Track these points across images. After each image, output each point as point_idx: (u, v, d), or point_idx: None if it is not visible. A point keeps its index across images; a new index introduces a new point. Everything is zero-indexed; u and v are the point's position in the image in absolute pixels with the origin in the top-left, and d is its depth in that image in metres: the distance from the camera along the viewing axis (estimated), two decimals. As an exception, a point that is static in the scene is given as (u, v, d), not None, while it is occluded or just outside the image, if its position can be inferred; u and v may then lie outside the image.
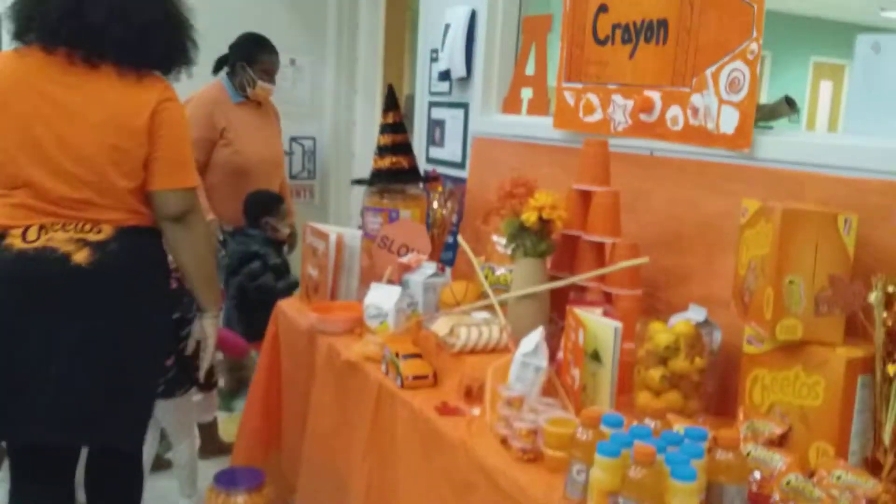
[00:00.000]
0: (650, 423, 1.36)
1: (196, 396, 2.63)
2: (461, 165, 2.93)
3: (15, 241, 1.77)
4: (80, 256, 1.77)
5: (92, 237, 1.79)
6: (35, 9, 1.78)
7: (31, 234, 1.78)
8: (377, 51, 4.03)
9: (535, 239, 1.91)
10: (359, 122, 4.18)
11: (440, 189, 2.77)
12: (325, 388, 2.15)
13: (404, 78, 4.84)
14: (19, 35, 1.82)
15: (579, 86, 2.28)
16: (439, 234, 2.73)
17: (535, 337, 1.65)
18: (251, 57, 3.23)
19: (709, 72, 1.85)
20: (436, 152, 3.09)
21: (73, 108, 1.78)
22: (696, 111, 1.89)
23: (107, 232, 1.81)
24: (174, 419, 2.54)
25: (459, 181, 2.88)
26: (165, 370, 2.26)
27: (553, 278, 1.95)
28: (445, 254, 2.81)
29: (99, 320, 1.78)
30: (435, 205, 2.72)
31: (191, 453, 2.65)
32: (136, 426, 1.95)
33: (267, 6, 3.84)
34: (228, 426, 3.04)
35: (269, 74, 3.27)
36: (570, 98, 2.33)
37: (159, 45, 1.87)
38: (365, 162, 4.21)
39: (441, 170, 3.00)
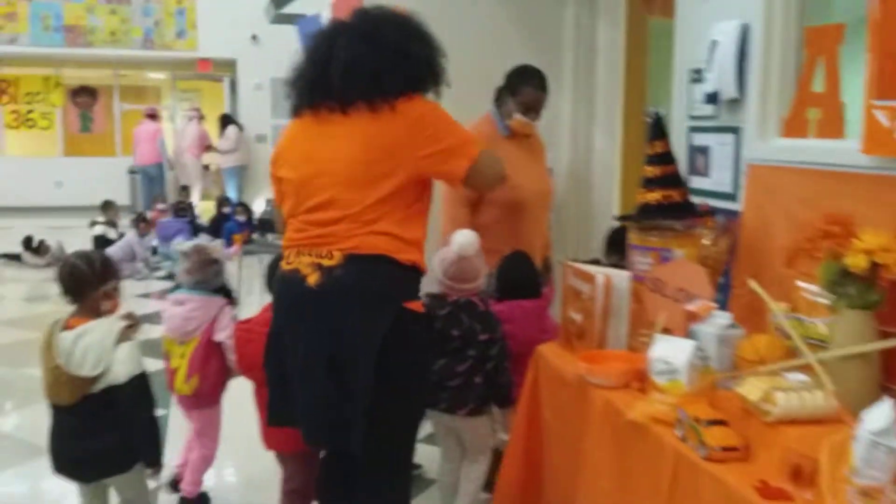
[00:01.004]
0: None
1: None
2: (731, 197, 2.64)
3: (283, 264, 2.13)
4: (313, 279, 2.01)
5: (325, 262, 2.01)
6: (293, 85, 2.19)
7: (291, 258, 2.09)
8: (618, 76, 3.83)
9: (862, 287, 1.62)
10: (597, 151, 4.00)
11: (711, 224, 2.50)
12: (602, 447, 1.97)
13: (645, 103, 4.59)
14: (294, 110, 2.21)
15: (896, 104, 1.94)
16: (711, 275, 2.46)
17: (885, 411, 1.36)
18: (514, 88, 3.13)
19: None
20: (699, 182, 2.82)
21: (333, 143, 2.06)
22: None
23: (336, 258, 2.00)
24: (475, 436, 2.61)
25: (730, 214, 2.60)
26: (397, 387, 2.10)
27: (884, 335, 1.64)
28: (717, 297, 2.53)
29: (318, 337, 2.01)
30: (705, 241, 2.46)
31: (479, 474, 2.65)
32: (362, 434, 1.99)
33: (500, 33, 3.79)
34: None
35: (529, 108, 3.13)
36: (883, 118, 1.99)
37: (397, 81, 2.05)
38: (604, 194, 4.02)
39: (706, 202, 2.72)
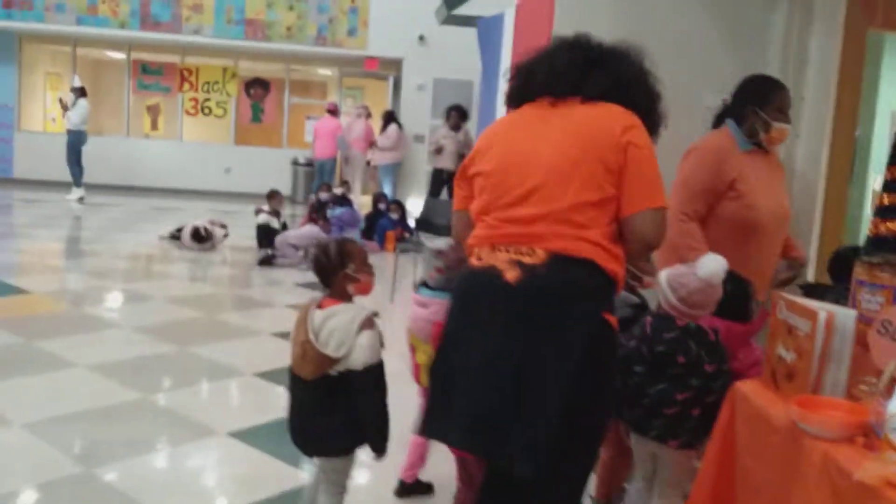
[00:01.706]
0: None
1: None
2: (975, 234, 2.31)
3: (473, 260, 2.02)
4: (511, 275, 1.90)
5: (526, 259, 1.91)
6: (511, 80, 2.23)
7: (484, 254, 1.99)
8: (829, 90, 3.50)
9: None
10: (798, 172, 3.66)
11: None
12: (819, 506, 1.73)
13: (856, 122, 4.21)
14: (513, 100, 2.22)
15: None
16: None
17: None
18: (764, 97, 2.89)
19: None
20: (932, 215, 2.49)
21: (544, 133, 2.02)
22: None
23: (539, 256, 1.91)
24: (677, 470, 2.47)
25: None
26: (592, 406, 1.97)
27: None
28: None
29: (511, 337, 1.88)
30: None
31: None
32: (541, 451, 1.85)
33: (703, 42, 3.55)
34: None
35: (784, 113, 2.89)
36: None
37: (637, 96, 2.06)
38: (804, 220, 3.68)
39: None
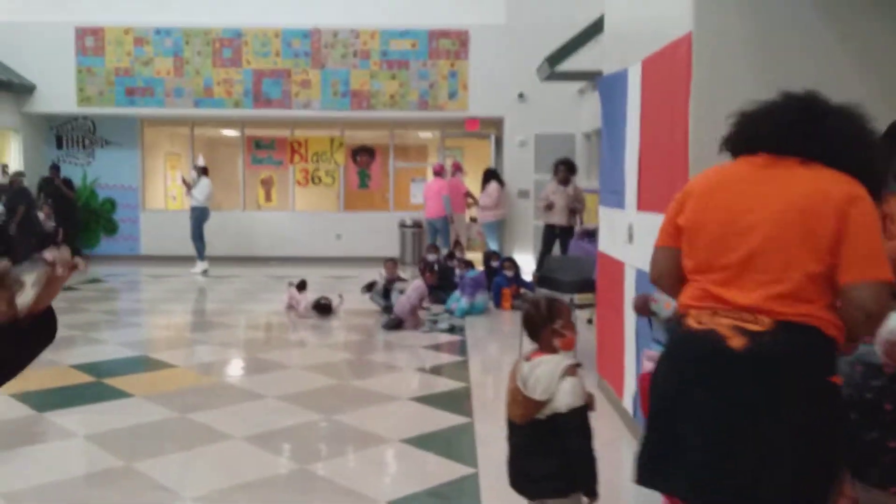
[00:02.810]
0: None
1: None
2: None
3: (691, 322, 2.06)
4: (737, 342, 1.95)
5: (750, 326, 1.94)
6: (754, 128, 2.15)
7: (704, 318, 2.03)
8: None
9: None
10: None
11: None
12: None
13: None
14: (728, 146, 2.22)
15: None
16: None
17: None
18: None
19: None
20: None
21: (762, 196, 2.02)
22: None
23: (765, 323, 1.94)
24: None
25: None
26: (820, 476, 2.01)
27: None
28: None
29: (741, 402, 1.94)
30: None
31: None
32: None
33: (846, 93, 3.44)
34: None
35: None
36: None
37: (857, 159, 2.02)
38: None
39: None
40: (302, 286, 8.68)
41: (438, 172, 12.22)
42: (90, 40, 12.95)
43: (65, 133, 13.69)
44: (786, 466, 1.91)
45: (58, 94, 12.97)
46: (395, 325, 7.73)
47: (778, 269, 1.95)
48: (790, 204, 1.97)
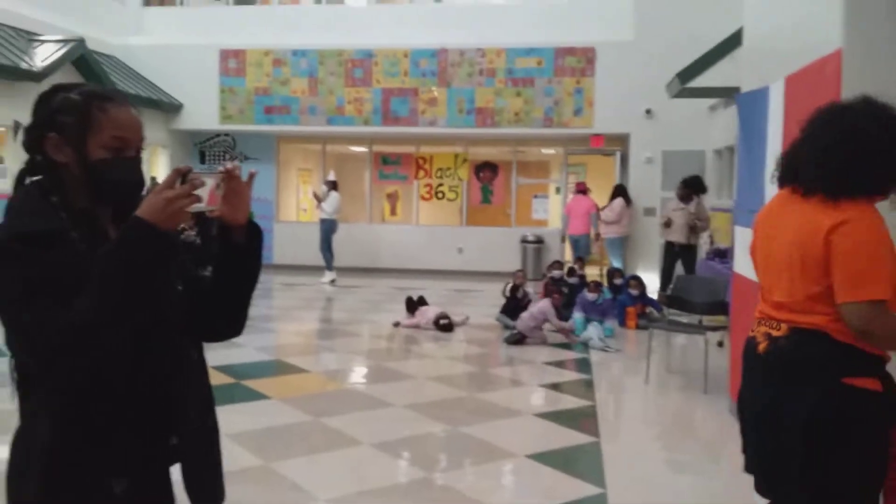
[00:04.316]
0: None
1: None
2: None
3: (750, 331, 2.43)
4: (762, 346, 2.31)
5: (773, 332, 2.28)
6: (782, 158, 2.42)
7: (754, 326, 2.40)
8: None
9: None
10: None
11: None
12: None
13: None
14: (779, 183, 2.41)
15: None
16: None
17: None
18: None
19: None
20: None
21: (781, 227, 2.32)
22: None
23: (782, 329, 2.25)
24: None
25: None
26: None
27: None
28: None
29: (761, 399, 2.31)
30: None
31: None
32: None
33: None
34: None
35: None
36: None
37: (864, 184, 2.15)
38: None
39: None
40: (421, 302, 8.85)
41: (583, 190, 12.24)
42: (233, 62, 13.74)
43: (207, 149, 14.56)
44: (794, 462, 2.16)
45: (202, 113, 13.83)
46: (517, 340, 7.76)
47: (787, 289, 2.24)
48: (793, 236, 2.23)
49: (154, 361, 1.65)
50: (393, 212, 15.97)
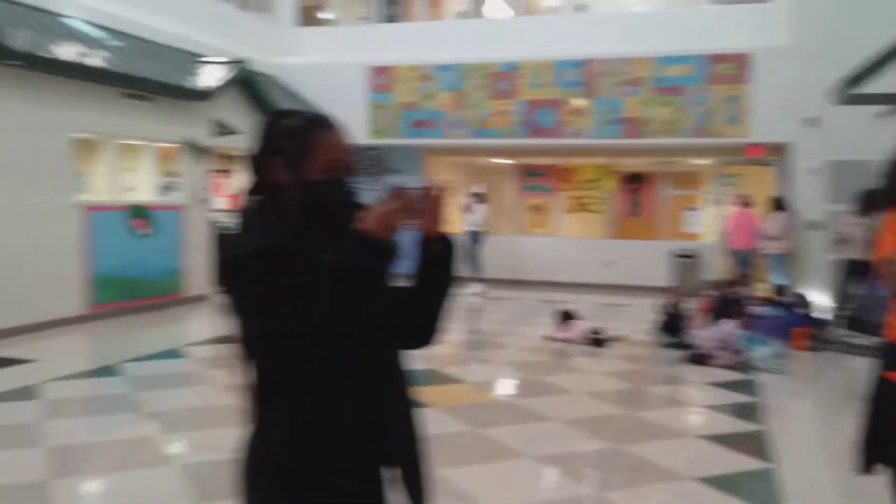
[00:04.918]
0: None
1: None
2: None
3: None
4: None
5: None
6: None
7: None
8: None
9: None
10: None
11: None
12: None
13: None
14: None
15: None
16: None
17: None
18: None
19: None
20: None
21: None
22: None
23: None
24: None
25: None
26: None
27: None
28: None
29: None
30: None
31: None
32: None
33: None
34: None
35: None
36: None
37: None
38: None
39: None
40: (572, 316, 8.74)
41: (746, 203, 11.82)
42: (382, 78, 14.17)
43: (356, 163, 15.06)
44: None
45: (352, 127, 14.27)
46: (698, 360, 7.46)
47: None
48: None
49: (367, 366, 1.74)
50: (538, 224, 15.93)
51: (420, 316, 1.83)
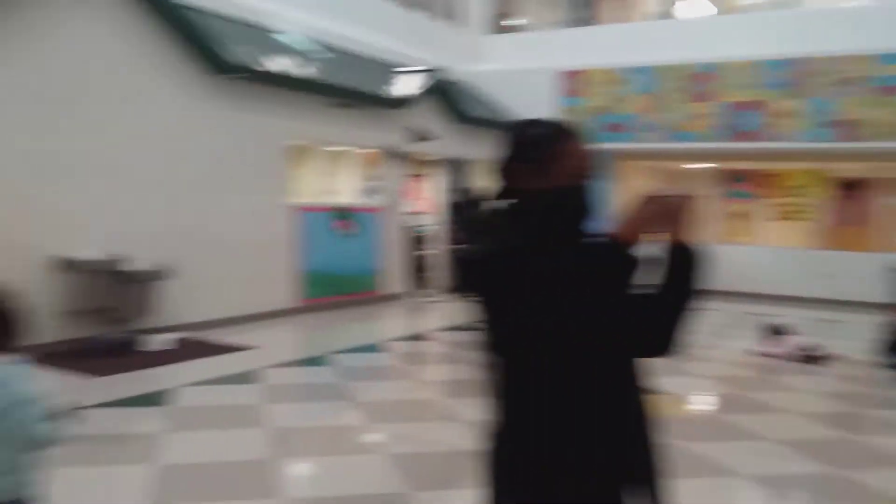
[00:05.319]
0: None
1: None
2: None
3: None
4: None
5: None
6: None
7: None
8: None
9: None
10: None
11: None
12: None
13: None
14: None
15: None
16: None
17: None
18: None
19: None
20: None
21: None
22: None
23: None
24: None
25: None
26: None
27: None
28: None
29: None
30: None
31: None
32: None
33: None
34: None
35: None
36: None
37: None
38: None
39: None
40: (777, 331, 8.18)
41: None
42: (573, 83, 14.05)
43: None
44: None
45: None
46: None
47: None
48: None
49: (606, 371, 1.78)
50: (740, 232, 15.08)
51: (660, 324, 1.80)
